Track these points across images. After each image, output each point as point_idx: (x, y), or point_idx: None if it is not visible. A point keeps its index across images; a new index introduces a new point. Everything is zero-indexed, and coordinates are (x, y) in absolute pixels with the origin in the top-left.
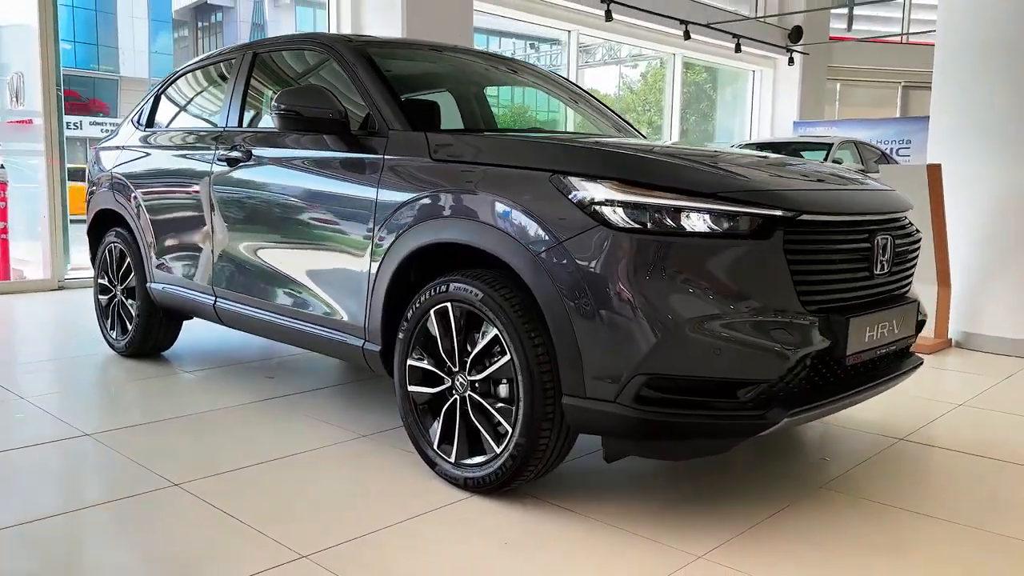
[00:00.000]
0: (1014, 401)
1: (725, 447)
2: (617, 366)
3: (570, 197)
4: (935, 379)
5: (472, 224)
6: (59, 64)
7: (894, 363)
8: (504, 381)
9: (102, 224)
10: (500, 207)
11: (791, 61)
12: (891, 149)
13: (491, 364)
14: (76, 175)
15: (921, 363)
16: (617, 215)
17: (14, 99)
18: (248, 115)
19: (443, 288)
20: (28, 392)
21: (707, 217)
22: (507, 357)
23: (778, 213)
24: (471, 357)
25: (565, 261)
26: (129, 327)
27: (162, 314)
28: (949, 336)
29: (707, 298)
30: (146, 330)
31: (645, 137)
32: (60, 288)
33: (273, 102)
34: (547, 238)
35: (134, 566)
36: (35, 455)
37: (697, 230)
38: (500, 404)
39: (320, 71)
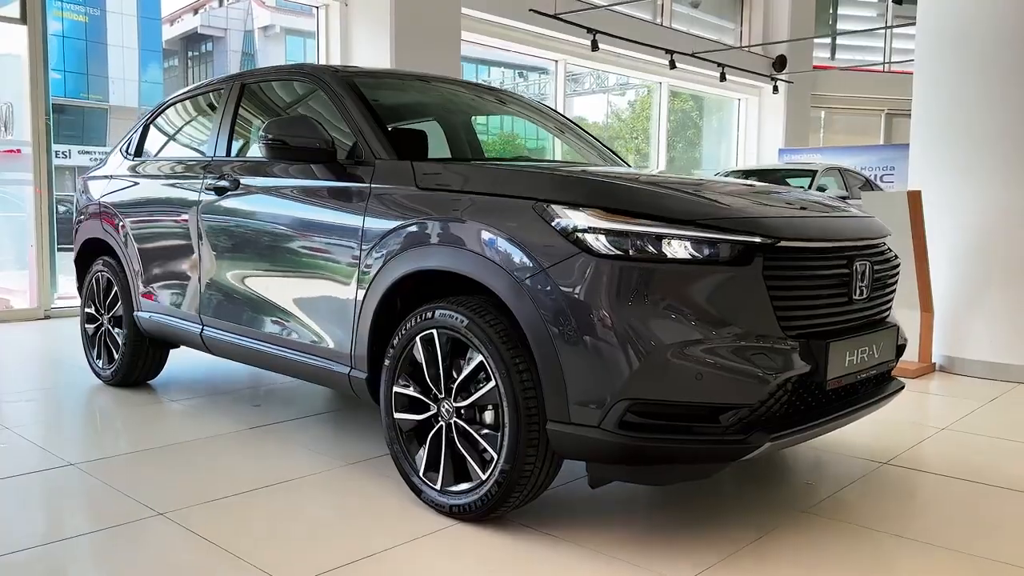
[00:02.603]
0: (996, 425)
1: (709, 472)
2: (600, 392)
3: (553, 225)
4: (919, 403)
5: (457, 251)
6: (48, 93)
7: (875, 387)
8: (489, 407)
9: (89, 253)
10: (485, 235)
11: (775, 90)
12: (875, 175)
13: (476, 390)
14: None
15: (903, 387)
16: (600, 242)
17: (2, 128)
18: (236, 144)
19: (429, 315)
20: (12, 422)
21: (688, 244)
22: (492, 383)
23: (757, 240)
24: (456, 384)
25: (549, 288)
26: (116, 356)
27: (149, 343)
28: (933, 360)
29: (688, 324)
30: (133, 359)
31: (630, 165)
32: (46, 317)
33: (261, 131)
34: (531, 265)
35: None
36: (19, 484)
37: (678, 257)
38: (485, 430)
39: (308, 101)
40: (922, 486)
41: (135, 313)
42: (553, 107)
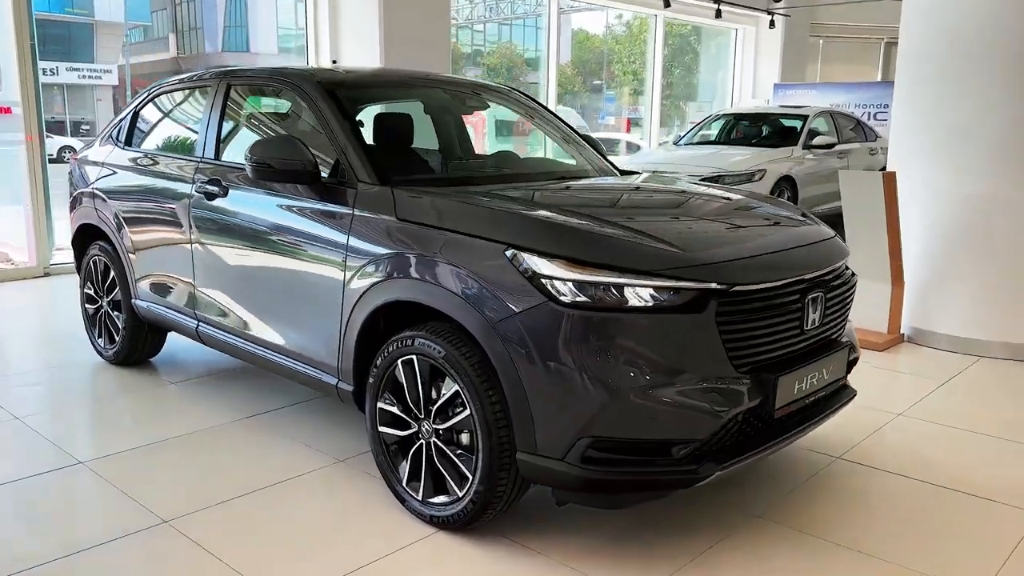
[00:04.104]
0: (950, 410)
1: (661, 495)
2: (564, 430)
3: (522, 271)
4: (881, 382)
5: (434, 288)
6: (31, 10)
7: (826, 402)
8: (465, 431)
9: (86, 235)
10: (460, 274)
11: (772, 24)
12: (869, 113)
13: (453, 415)
14: (54, 128)
15: (854, 396)
16: (564, 290)
17: None
18: (224, 147)
19: (409, 342)
20: (21, 410)
21: (647, 293)
22: (467, 411)
23: (713, 286)
24: (435, 407)
25: (517, 331)
26: (116, 338)
27: (148, 327)
28: (902, 332)
29: (646, 367)
30: (133, 342)
31: (612, 164)
32: (46, 275)
33: (246, 153)
34: (501, 308)
35: None
36: (35, 487)
37: (637, 305)
38: (461, 452)
39: (292, 108)
40: (871, 486)
41: (133, 301)
42: (539, 101)
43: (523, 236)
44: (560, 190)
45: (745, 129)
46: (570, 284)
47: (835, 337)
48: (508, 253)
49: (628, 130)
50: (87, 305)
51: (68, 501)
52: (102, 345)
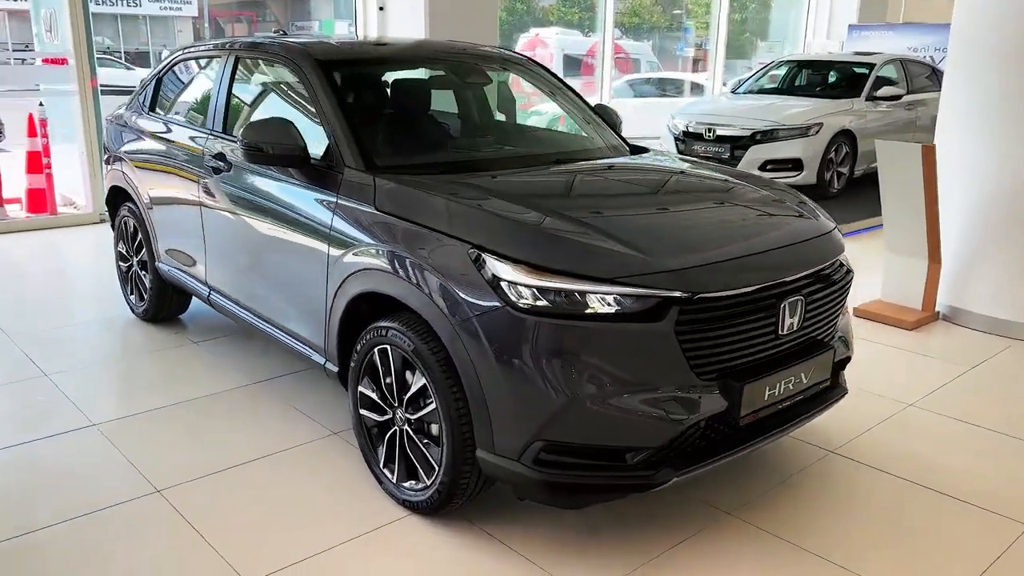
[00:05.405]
0: (965, 401)
1: (620, 497)
2: (520, 431)
3: (483, 273)
4: (900, 366)
5: (404, 284)
6: None
7: (806, 405)
8: (434, 422)
9: (118, 195)
10: (427, 272)
11: None
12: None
13: (424, 406)
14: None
15: (843, 395)
16: (522, 295)
17: (48, 32)
18: (231, 120)
19: (383, 332)
20: (51, 366)
21: (606, 300)
22: (434, 405)
23: (675, 294)
24: (407, 397)
25: (476, 333)
26: (145, 296)
27: (172, 288)
28: (937, 310)
29: (602, 375)
30: (159, 301)
31: (624, 140)
32: (102, 221)
33: (240, 134)
34: (463, 309)
35: None
36: (47, 449)
37: (596, 312)
38: (428, 442)
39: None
40: (858, 486)
41: (157, 263)
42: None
43: (487, 237)
44: (548, 178)
45: (808, 77)
46: (529, 289)
47: (821, 338)
48: (472, 253)
49: (695, 69)
50: (120, 263)
51: (74, 466)
52: (133, 302)
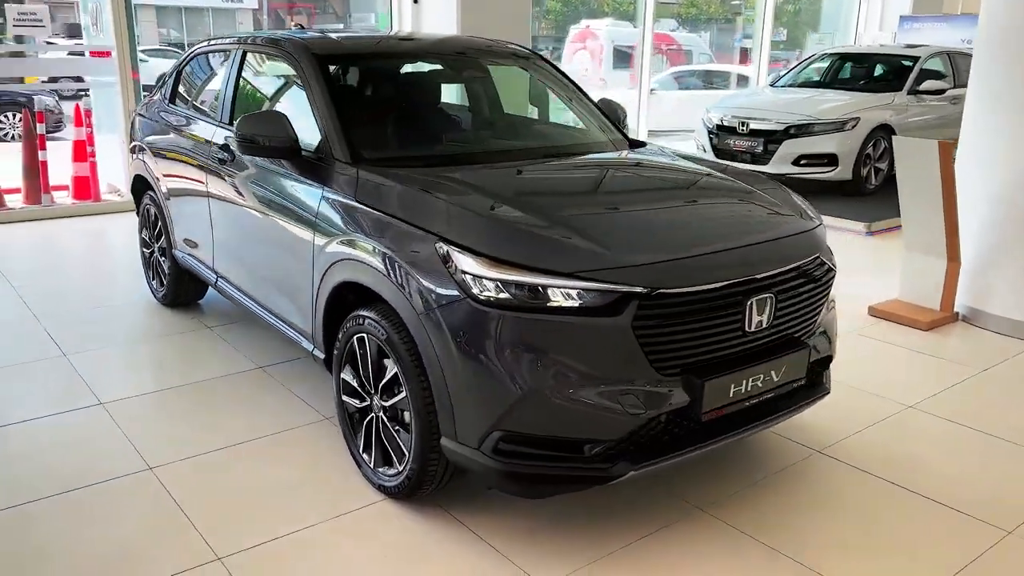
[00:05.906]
0: (968, 405)
1: (580, 489)
2: (479, 422)
3: (447, 266)
4: (907, 366)
5: (376, 274)
6: None
7: (778, 403)
8: (406, 411)
9: (141, 184)
10: (397, 263)
11: None
12: None
13: (396, 394)
14: None
15: (823, 395)
16: (485, 287)
17: (94, 26)
18: (236, 112)
19: (361, 321)
20: (69, 347)
21: (565, 294)
22: (404, 393)
23: (636, 289)
24: (381, 385)
25: (439, 324)
26: (164, 282)
27: (188, 275)
28: (956, 310)
29: (559, 368)
30: (177, 287)
31: (624, 134)
32: None
33: (235, 126)
34: (428, 300)
35: (66, 560)
36: (55, 425)
37: (555, 306)
38: (399, 429)
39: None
40: (840, 488)
41: (174, 250)
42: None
43: (451, 230)
44: (528, 172)
45: (851, 70)
46: (490, 282)
47: (798, 336)
48: (439, 247)
49: (744, 61)
50: (143, 249)
51: (76, 442)
52: (155, 287)
